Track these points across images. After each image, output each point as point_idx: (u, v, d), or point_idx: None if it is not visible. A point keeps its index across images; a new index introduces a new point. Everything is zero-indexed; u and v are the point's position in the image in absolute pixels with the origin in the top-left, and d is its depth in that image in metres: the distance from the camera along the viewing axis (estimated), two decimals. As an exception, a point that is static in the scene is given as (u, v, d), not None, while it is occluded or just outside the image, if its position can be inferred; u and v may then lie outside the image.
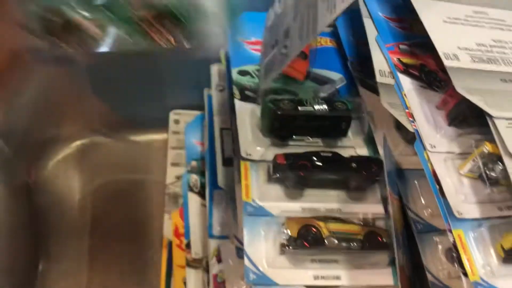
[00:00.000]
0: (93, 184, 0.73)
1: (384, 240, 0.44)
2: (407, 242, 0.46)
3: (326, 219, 0.45)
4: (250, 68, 0.55)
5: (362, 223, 0.45)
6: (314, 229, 0.43)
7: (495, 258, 0.40)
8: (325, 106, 0.48)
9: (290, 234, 0.43)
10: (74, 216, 0.70)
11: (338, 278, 0.44)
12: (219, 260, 0.56)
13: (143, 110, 0.75)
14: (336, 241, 0.43)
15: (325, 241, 0.43)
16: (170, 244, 0.66)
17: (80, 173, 0.74)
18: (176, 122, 0.75)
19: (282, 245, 0.44)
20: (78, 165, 0.75)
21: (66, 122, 0.75)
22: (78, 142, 0.76)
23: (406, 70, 0.48)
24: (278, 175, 0.46)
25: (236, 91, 0.53)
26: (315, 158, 0.46)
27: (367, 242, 0.44)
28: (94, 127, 0.76)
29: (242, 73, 0.55)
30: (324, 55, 0.58)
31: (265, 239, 0.45)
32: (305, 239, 0.43)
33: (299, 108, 0.48)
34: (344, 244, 0.43)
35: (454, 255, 0.41)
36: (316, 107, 0.48)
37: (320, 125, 0.49)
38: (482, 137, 0.43)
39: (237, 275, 0.51)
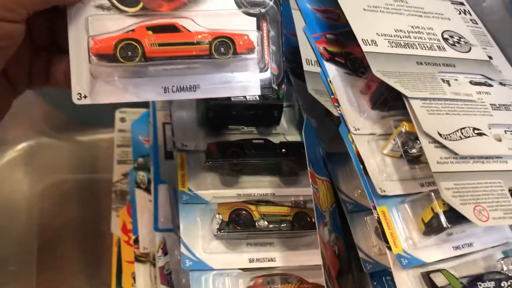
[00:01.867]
0: (40, 186, 0.73)
1: (313, 220, 0.45)
2: (340, 222, 0.48)
3: (257, 202, 0.46)
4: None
5: (292, 205, 0.47)
6: (245, 212, 0.45)
7: (416, 231, 0.42)
8: (256, 96, 0.49)
9: (222, 218, 0.45)
10: (22, 218, 0.70)
11: (272, 260, 0.46)
12: (165, 253, 0.57)
13: (88, 109, 0.75)
14: (266, 223, 0.45)
15: (256, 223, 0.45)
16: (119, 241, 0.66)
17: (27, 175, 0.74)
18: (122, 120, 0.75)
19: (215, 230, 0.45)
20: (25, 167, 0.74)
21: (11, 124, 0.74)
22: (24, 144, 0.76)
23: (332, 58, 0.50)
24: (210, 163, 0.47)
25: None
26: (246, 146, 0.47)
27: (296, 222, 0.46)
28: (40, 128, 0.76)
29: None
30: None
31: (201, 226, 0.47)
32: (236, 223, 0.45)
33: (232, 98, 0.49)
34: (274, 225, 0.45)
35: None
36: (248, 97, 0.49)
37: (253, 114, 0.51)
38: (403, 119, 0.45)
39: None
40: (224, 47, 0.36)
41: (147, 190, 0.67)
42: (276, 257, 0.46)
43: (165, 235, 0.58)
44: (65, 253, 0.69)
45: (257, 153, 0.48)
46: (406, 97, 0.42)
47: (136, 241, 0.63)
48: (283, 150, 0.48)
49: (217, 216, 0.45)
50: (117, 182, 0.70)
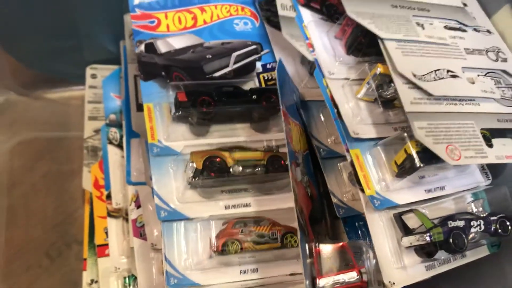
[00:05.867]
0: (10, 143, 0.71)
1: (287, 163, 0.45)
2: (313, 167, 0.48)
3: (230, 149, 0.45)
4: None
5: (266, 150, 0.46)
6: (219, 159, 0.44)
7: (389, 174, 0.43)
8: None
9: (195, 166, 0.44)
10: (-10, 174, 0.68)
11: (248, 205, 0.46)
12: (138, 206, 0.56)
13: (59, 66, 0.73)
14: (240, 168, 0.44)
15: (230, 169, 0.44)
16: (91, 197, 0.65)
17: (-5, 133, 0.72)
18: (93, 76, 0.73)
19: (189, 178, 0.44)
20: (-7, 125, 0.72)
21: (-22, 81, 0.72)
22: (-8, 101, 0.73)
23: (307, 3, 0.49)
24: (180, 112, 0.46)
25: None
26: (216, 93, 0.46)
27: (270, 165, 0.45)
28: (8, 85, 0.73)
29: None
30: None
31: (174, 176, 0.46)
32: (211, 170, 0.44)
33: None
34: (248, 170, 0.44)
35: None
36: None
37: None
38: (378, 62, 0.45)
39: (156, 218, 0.52)
40: None
41: (119, 146, 0.66)
42: (251, 203, 0.46)
43: (138, 188, 0.57)
44: (36, 210, 0.68)
45: (228, 100, 0.47)
46: (381, 39, 0.42)
47: (109, 196, 0.62)
48: (254, 96, 0.47)
49: (190, 164, 0.44)
50: (88, 138, 0.69)
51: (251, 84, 0.50)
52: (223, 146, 0.46)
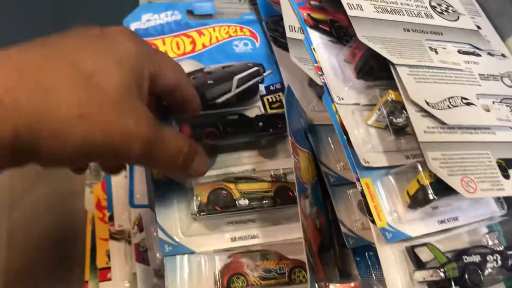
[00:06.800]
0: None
1: (295, 194, 0.43)
2: (322, 196, 0.46)
3: (236, 180, 0.44)
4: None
5: (273, 179, 0.45)
6: (225, 192, 0.42)
7: (401, 205, 0.41)
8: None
9: (200, 200, 0.42)
10: (-9, 195, 0.67)
11: (255, 237, 0.44)
12: (141, 229, 0.55)
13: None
14: (247, 201, 0.43)
15: (237, 202, 0.43)
16: (93, 218, 0.64)
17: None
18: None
19: (193, 213, 0.43)
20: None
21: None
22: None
23: (316, 25, 0.48)
24: None
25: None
26: (222, 124, 0.45)
27: (278, 197, 0.43)
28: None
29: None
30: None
31: (178, 208, 0.44)
32: (216, 203, 0.42)
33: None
34: (255, 203, 0.43)
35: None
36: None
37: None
38: (389, 88, 0.44)
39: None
40: None
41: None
42: (258, 234, 0.44)
43: (141, 211, 0.56)
44: (36, 232, 0.66)
45: (234, 130, 0.45)
46: (393, 64, 0.41)
47: (111, 218, 0.61)
48: (260, 124, 0.46)
49: (194, 197, 0.42)
50: (91, 157, 0.68)
51: (256, 110, 0.49)
52: (229, 176, 0.45)
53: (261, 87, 0.50)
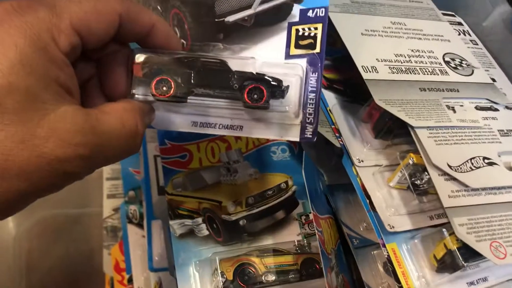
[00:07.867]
0: (28, 222, 0.69)
1: (321, 266, 0.43)
2: (345, 259, 0.46)
3: (261, 254, 0.43)
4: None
5: (298, 250, 0.43)
6: (250, 268, 0.41)
7: (429, 269, 0.40)
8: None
9: (226, 277, 0.41)
10: (8, 259, 0.66)
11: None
12: (162, 293, 0.54)
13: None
14: (274, 277, 0.42)
15: (263, 278, 0.42)
16: (112, 280, 0.63)
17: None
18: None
19: (219, 292, 0.41)
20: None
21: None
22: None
23: (330, 85, 0.48)
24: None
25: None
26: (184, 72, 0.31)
27: (304, 270, 0.42)
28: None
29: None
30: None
31: (200, 281, 0.43)
32: (242, 280, 0.41)
33: None
34: (282, 277, 0.42)
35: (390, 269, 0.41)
36: None
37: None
38: (408, 147, 0.43)
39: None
40: None
41: (139, 225, 0.64)
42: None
43: (161, 275, 0.55)
44: (54, 294, 0.66)
45: (198, 84, 0.31)
46: (412, 127, 0.40)
47: (130, 280, 0.60)
48: (235, 85, 0.32)
49: (219, 275, 0.41)
50: (107, 217, 0.67)
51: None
52: (252, 250, 0.44)
53: (295, 10, 0.35)
